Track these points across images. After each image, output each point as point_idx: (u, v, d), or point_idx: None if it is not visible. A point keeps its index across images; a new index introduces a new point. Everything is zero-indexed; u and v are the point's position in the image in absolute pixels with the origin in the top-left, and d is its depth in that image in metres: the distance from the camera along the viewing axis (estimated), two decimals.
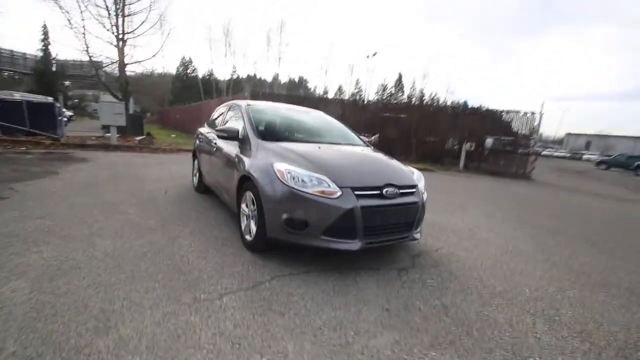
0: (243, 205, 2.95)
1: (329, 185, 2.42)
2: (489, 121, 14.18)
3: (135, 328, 1.67)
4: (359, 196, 2.42)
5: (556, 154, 45.73)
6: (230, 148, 3.40)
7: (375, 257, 2.84)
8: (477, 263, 3.00)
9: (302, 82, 74.55)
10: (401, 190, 2.64)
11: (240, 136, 3.24)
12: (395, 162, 3.18)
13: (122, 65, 12.21)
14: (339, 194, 2.38)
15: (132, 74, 13.67)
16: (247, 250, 2.80)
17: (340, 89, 56.02)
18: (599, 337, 1.96)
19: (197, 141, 4.89)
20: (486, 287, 2.51)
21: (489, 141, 13.68)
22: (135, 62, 12.74)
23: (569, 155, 45.33)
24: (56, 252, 2.45)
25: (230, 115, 4.01)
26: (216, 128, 3.33)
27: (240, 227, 2.98)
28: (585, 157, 43.43)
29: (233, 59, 48.73)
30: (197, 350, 1.56)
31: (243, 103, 3.80)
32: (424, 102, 19.17)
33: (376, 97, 53.53)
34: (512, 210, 5.66)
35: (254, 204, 2.73)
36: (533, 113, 13.00)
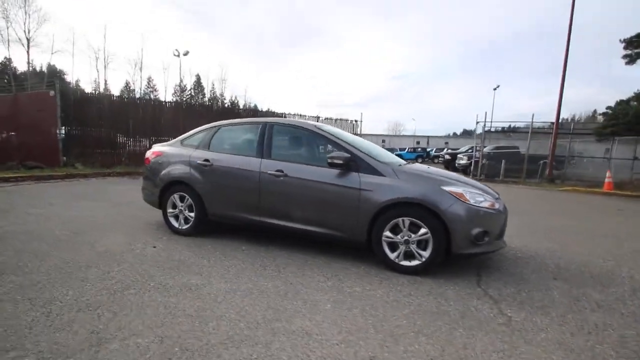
0: (387, 233, 2.88)
1: (485, 199, 2.94)
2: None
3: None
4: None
5: None
6: (327, 176, 3.08)
7: None
8: None
9: (55, 73, 56.71)
10: None
11: (352, 162, 3.03)
12: None
13: None
14: (497, 205, 2.96)
15: None
16: (415, 275, 2.82)
17: (127, 86, 47.41)
18: (606, 256, 3.62)
19: (190, 169, 3.67)
20: (534, 244, 3.81)
21: None
22: None
23: None
24: None
25: (279, 139, 3.50)
26: (329, 155, 2.95)
27: (385, 256, 2.90)
28: None
29: None
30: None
31: (310, 126, 3.44)
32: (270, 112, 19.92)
33: (174, 98, 49.08)
34: None
35: (414, 229, 2.80)
36: (357, 120, 16.74)
